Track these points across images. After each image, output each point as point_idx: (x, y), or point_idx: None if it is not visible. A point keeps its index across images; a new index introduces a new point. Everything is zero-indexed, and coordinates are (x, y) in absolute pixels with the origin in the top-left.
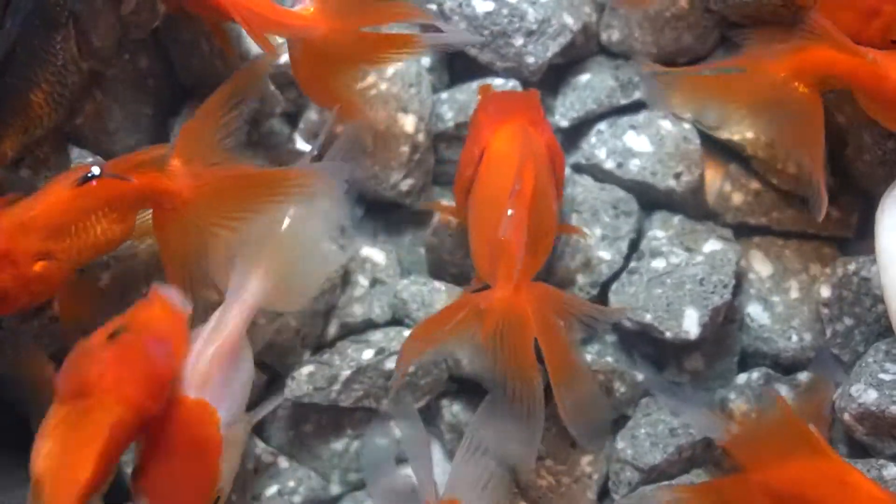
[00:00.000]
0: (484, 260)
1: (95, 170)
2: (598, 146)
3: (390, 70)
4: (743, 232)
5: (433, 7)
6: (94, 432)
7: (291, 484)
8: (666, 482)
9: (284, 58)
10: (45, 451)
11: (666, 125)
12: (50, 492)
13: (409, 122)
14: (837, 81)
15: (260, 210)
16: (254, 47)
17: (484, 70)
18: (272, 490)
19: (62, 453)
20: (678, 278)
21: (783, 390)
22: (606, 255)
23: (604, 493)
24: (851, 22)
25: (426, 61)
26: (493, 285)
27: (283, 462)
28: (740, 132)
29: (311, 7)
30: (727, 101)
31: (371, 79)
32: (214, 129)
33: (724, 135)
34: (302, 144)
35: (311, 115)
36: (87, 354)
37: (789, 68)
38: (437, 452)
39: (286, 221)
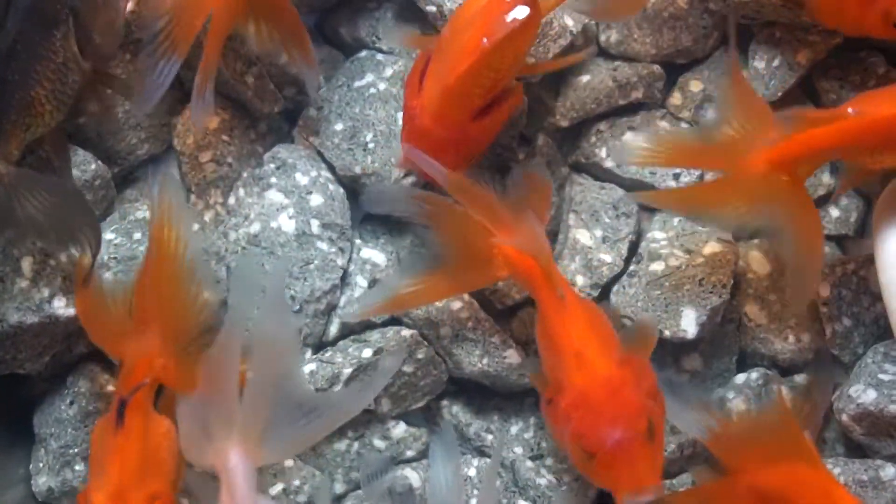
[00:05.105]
0: None
1: (123, 399)
2: (599, 145)
3: (388, 70)
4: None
5: (432, 9)
6: None
7: (296, 482)
8: (666, 481)
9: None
10: None
11: (664, 126)
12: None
13: None
14: (820, 157)
15: None
16: None
17: None
18: (278, 488)
19: None
20: (678, 279)
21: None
22: (607, 258)
23: (604, 490)
24: (852, 7)
25: None
26: None
27: (288, 461)
28: None
29: None
30: (719, 208)
31: (369, 77)
32: None
33: None
34: (301, 141)
35: (311, 112)
36: None
37: (768, 160)
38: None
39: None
